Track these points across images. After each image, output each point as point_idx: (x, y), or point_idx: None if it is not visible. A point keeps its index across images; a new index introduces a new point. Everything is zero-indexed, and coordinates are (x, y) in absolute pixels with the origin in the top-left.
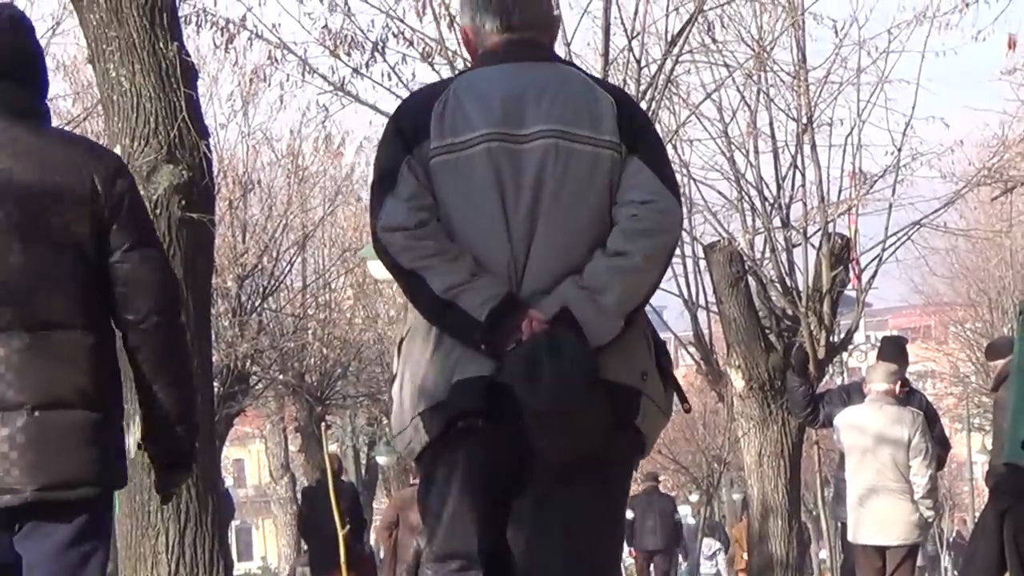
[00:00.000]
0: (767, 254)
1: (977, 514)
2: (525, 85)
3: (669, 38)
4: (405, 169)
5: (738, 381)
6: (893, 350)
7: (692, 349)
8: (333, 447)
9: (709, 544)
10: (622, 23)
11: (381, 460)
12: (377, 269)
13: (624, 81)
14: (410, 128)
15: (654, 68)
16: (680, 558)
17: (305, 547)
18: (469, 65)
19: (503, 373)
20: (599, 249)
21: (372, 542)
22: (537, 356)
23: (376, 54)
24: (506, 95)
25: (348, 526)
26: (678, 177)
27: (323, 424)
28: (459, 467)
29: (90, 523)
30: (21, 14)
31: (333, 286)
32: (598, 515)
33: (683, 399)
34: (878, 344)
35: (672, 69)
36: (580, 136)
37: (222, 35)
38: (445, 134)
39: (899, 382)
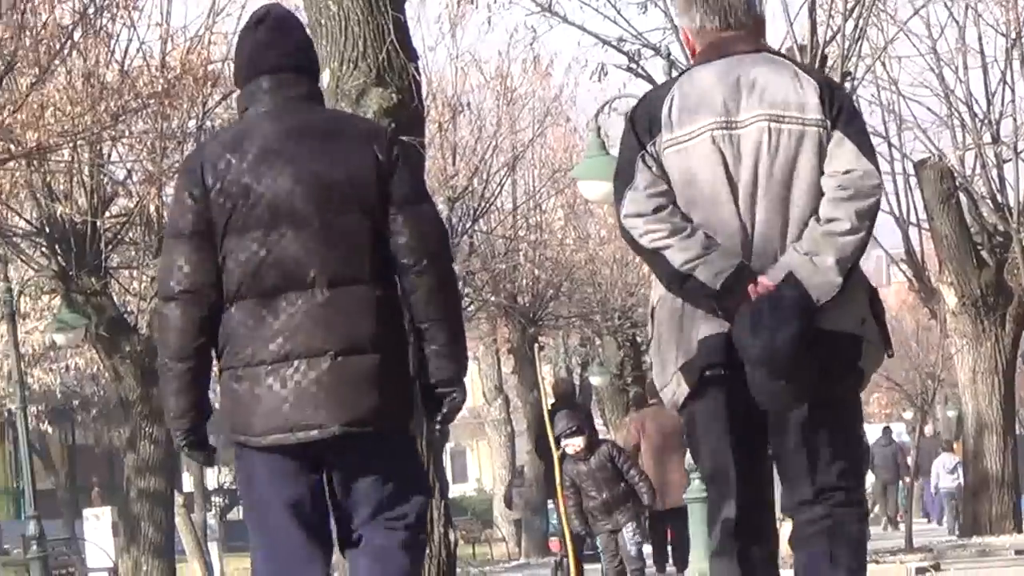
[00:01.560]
0: (977, 170)
1: None
2: (740, 76)
3: None
4: (640, 162)
5: (951, 298)
6: None
7: (904, 266)
8: (546, 368)
9: (949, 459)
10: None
11: (594, 380)
12: (589, 189)
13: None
14: (643, 125)
15: None
16: (904, 482)
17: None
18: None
19: (733, 329)
20: (813, 218)
21: None
22: (760, 313)
23: None
24: (724, 87)
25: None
26: (887, 94)
27: (536, 345)
28: (706, 414)
29: (401, 449)
30: (289, 12)
31: (544, 207)
32: (834, 444)
33: (888, 345)
34: None
35: None
36: (789, 117)
37: None
38: (674, 128)
39: None
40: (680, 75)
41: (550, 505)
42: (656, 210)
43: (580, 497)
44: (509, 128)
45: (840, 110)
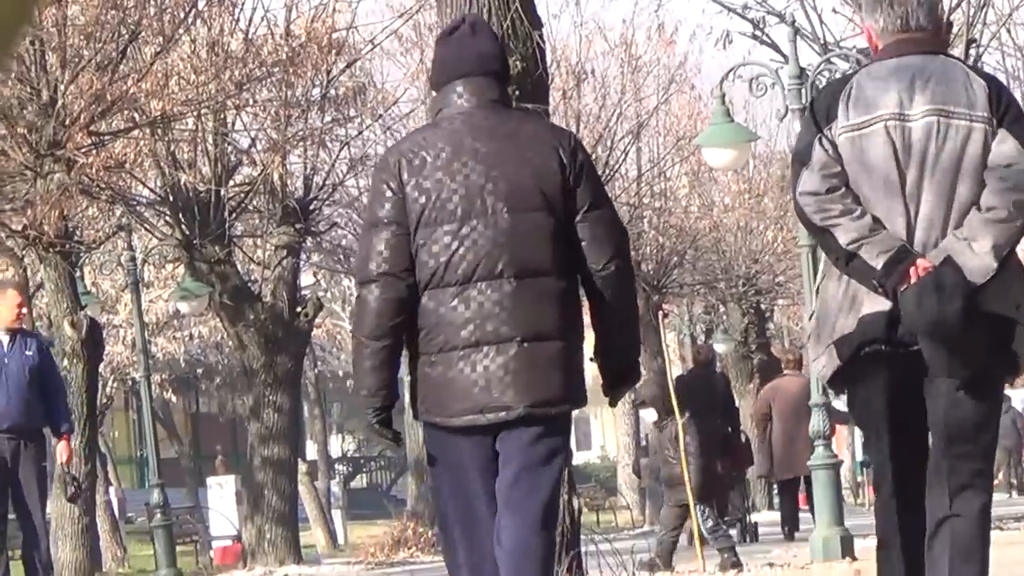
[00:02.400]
0: None
1: None
2: (915, 73)
3: None
4: (817, 145)
5: None
6: None
7: None
8: (670, 335)
9: None
10: None
11: (719, 348)
12: (713, 157)
13: None
14: (822, 112)
15: None
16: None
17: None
18: None
19: (897, 307)
20: (974, 207)
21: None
22: (923, 291)
23: None
24: (900, 83)
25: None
26: (1012, 61)
27: (660, 312)
28: (865, 388)
29: (559, 430)
30: (483, 20)
31: (668, 174)
32: (978, 420)
33: None
34: None
35: None
36: (958, 113)
37: None
38: (850, 116)
39: None
40: (860, 69)
41: None
42: (829, 191)
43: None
44: (633, 95)
45: (1007, 109)
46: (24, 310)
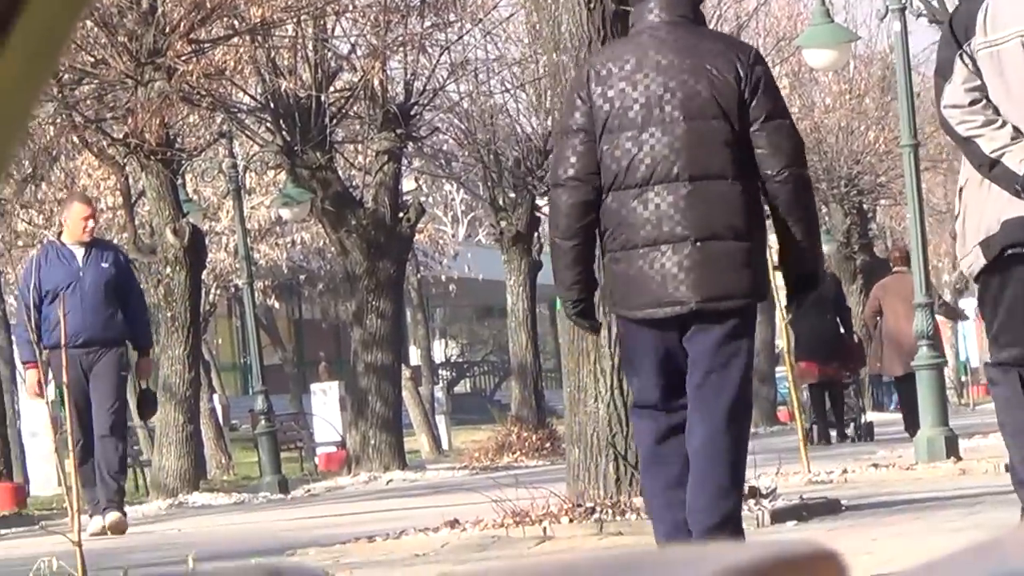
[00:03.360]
0: None
1: None
2: None
3: None
4: (958, 60)
5: None
6: None
7: None
8: (772, 237)
9: None
10: None
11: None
12: (814, 57)
13: None
14: (961, 29)
15: None
16: None
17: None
18: None
19: None
20: None
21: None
22: None
23: None
24: None
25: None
26: None
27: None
28: (1009, 285)
29: (740, 326)
30: None
31: None
32: None
33: None
34: None
35: None
36: None
37: None
38: (987, 32)
39: None
40: None
41: (779, 373)
42: (971, 103)
43: None
44: None
45: None
46: (91, 223)
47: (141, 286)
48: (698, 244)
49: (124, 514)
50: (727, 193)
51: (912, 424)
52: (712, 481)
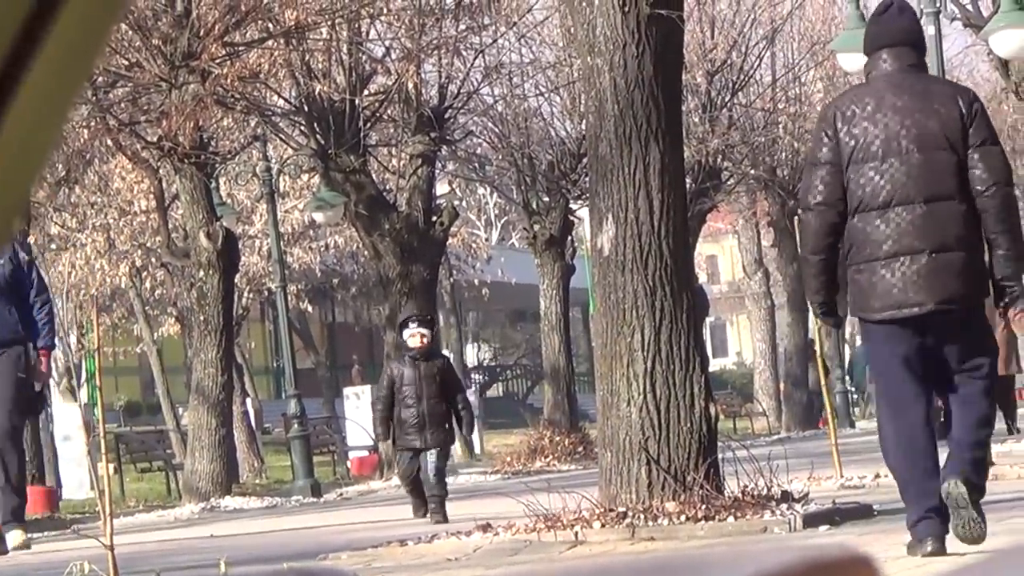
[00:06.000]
0: None
1: None
2: None
3: None
4: None
5: None
6: None
7: None
8: None
9: None
10: None
11: None
12: (848, 61)
13: None
14: None
15: None
16: None
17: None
18: None
19: None
20: None
21: None
22: None
23: None
24: None
25: None
26: None
27: (795, 218)
28: None
29: (974, 322)
30: (907, 3)
31: (803, 79)
32: None
33: None
34: None
35: None
36: None
37: None
38: None
39: None
40: None
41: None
42: None
43: (392, 401)
44: (768, 1)
45: None
46: None
47: (46, 281)
48: (933, 255)
49: (24, 530)
50: (955, 212)
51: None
52: (969, 458)
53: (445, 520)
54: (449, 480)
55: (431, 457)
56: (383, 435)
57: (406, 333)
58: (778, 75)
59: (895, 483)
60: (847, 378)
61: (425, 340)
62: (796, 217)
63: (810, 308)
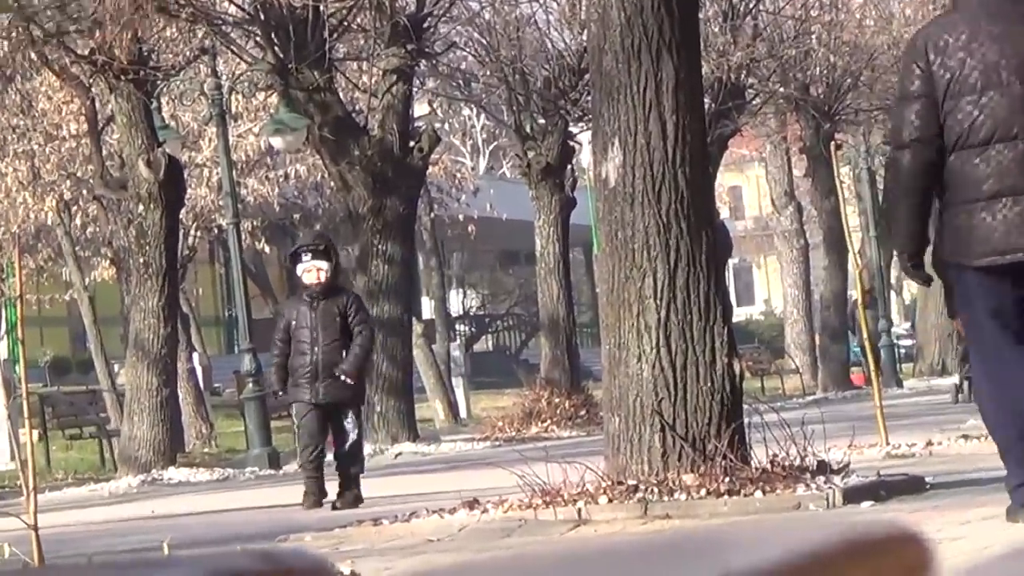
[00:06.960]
0: None
1: None
2: None
3: None
4: None
5: None
6: None
7: None
8: (844, 170)
9: None
10: None
11: None
12: None
13: None
14: None
15: None
16: None
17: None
18: None
19: None
20: None
21: None
22: None
23: None
24: None
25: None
26: None
27: (832, 143)
28: None
29: None
30: None
31: None
32: None
33: None
34: None
35: None
36: None
37: None
38: None
39: None
40: None
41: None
42: None
43: (289, 348)
44: None
45: None
46: None
47: None
48: None
49: None
50: None
51: None
52: None
53: (357, 504)
54: (430, 448)
55: (348, 425)
56: (280, 386)
57: (300, 267)
58: None
59: (946, 454)
60: (911, 327)
61: (323, 275)
62: (832, 142)
63: (896, 258)
